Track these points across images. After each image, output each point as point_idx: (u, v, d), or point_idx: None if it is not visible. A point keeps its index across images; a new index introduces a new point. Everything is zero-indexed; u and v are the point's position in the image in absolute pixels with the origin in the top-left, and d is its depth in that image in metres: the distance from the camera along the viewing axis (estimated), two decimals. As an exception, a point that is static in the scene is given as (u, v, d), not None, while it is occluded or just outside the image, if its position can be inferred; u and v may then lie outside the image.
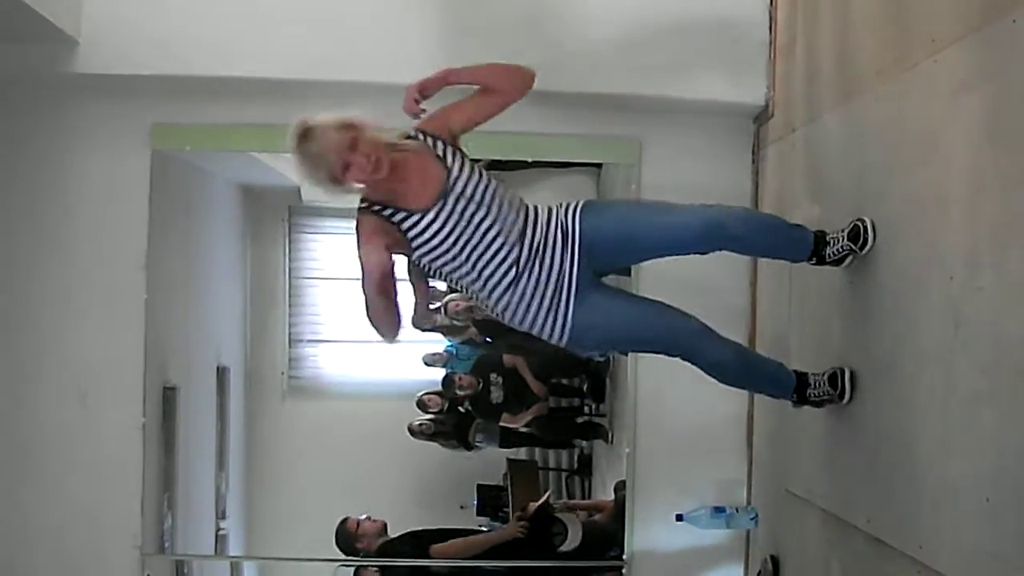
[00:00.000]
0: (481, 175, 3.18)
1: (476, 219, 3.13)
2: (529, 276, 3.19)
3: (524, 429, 5.85)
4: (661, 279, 4.04)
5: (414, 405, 5.72)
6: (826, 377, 3.36)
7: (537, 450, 5.93)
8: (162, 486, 4.83)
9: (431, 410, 5.88)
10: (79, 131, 4.45)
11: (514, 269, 3.17)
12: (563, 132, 4.56)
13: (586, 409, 5.81)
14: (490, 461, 5.90)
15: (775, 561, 4.20)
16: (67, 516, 4.44)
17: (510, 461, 5.90)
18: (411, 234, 3.13)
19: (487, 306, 3.29)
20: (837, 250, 3.28)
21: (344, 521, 5.11)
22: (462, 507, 5.88)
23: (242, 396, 5.94)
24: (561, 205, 3.30)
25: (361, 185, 3.10)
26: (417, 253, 3.17)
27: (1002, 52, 2.53)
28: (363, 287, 3.07)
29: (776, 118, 4.31)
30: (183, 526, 5.04)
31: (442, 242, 3.14)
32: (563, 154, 4.86)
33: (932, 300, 2.83)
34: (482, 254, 3.16)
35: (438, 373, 5.83)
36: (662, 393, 4.52)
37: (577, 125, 4.54)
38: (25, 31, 3.98)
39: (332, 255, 6.12)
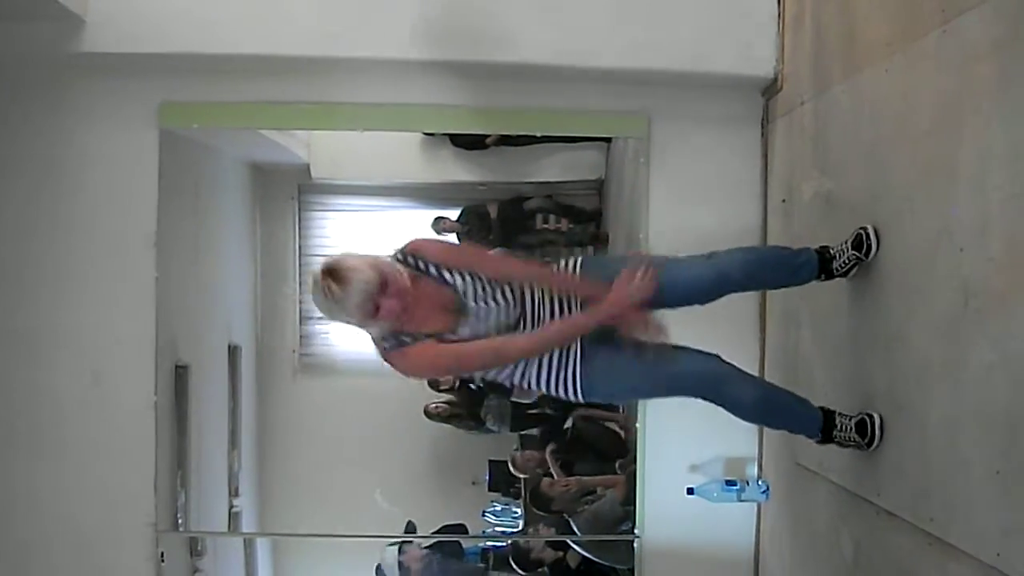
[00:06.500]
0: (476, 281, 3.15)
1: (490, 318, 3.14)
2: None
3: (534, 409, 5.86)
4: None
5: (425, 382, 5.73)
6: (854, 423, 3.27)
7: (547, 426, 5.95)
8: (175, 464, 4.86)
9: (443, 387, 5.89)
10: (86, 110, 4.45)
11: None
12: (572, 107, 4.54)
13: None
14: (501, 437, 5.92)
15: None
16: (81, 494, 4.46)
17: (521, 436, 5.92)
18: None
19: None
20: (844, 262, 3.28)
21: None
22: (474, 483, 5.91)
23: (253, 374, 5.96)
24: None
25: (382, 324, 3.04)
26: None
27: (1012, 22, 2.51)
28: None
29: (785, 91, 4.29)
30: (196, 503, 5.08)
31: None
32: (572, 129, 4.86)
33: (942, 272, 2.82)
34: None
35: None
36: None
37: (586, 99, 4.53)
38: (32, 10, 3.98)
39: (342, 232, 6.13)
